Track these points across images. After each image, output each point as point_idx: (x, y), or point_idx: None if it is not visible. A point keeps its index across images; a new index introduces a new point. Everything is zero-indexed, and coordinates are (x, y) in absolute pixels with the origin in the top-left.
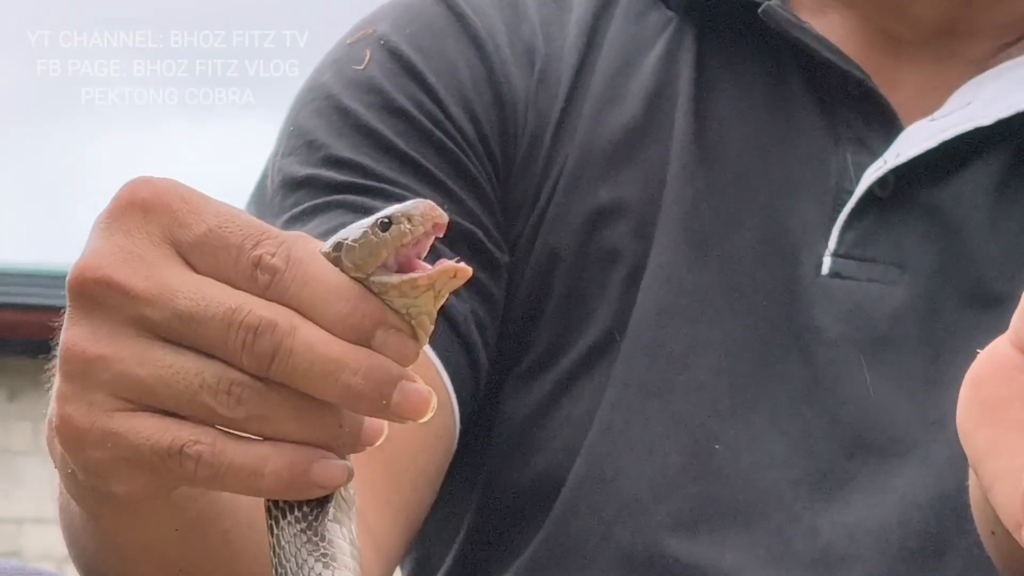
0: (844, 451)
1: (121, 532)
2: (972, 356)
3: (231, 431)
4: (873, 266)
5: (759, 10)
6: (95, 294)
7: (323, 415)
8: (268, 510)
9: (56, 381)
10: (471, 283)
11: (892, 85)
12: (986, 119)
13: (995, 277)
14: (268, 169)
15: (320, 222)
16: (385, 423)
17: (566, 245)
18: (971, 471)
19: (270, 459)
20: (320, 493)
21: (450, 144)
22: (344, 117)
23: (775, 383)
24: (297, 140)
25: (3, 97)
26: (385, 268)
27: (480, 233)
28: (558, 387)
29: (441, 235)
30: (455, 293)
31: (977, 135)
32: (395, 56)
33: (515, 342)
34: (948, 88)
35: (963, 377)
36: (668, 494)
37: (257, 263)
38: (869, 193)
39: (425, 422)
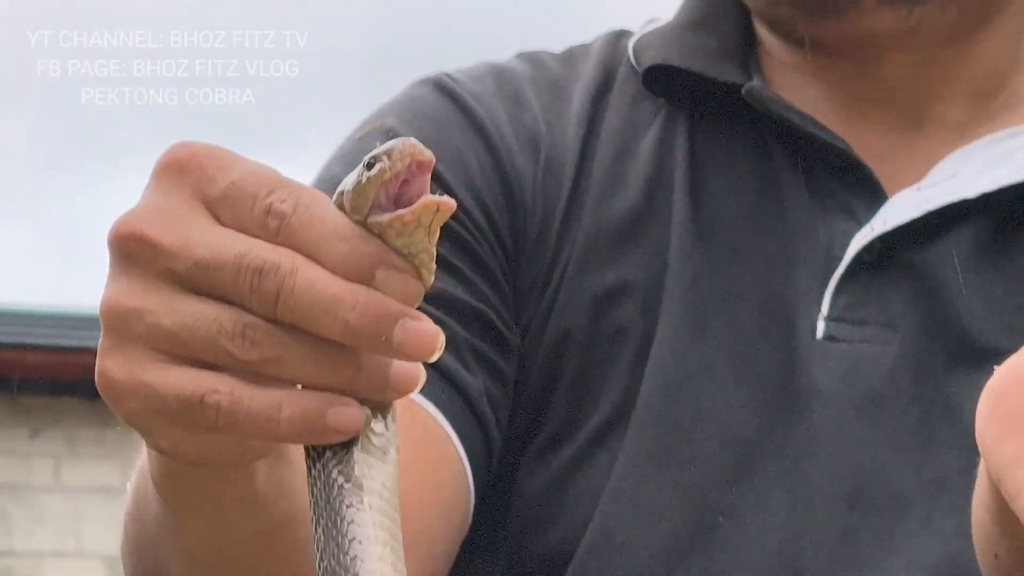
0: (845, 503)
1: (204, 535)
2: (961, 412)
3: (256, 380)
4: (865, 328)
5: (743, 91)
6: (129, 249)
7: (339, 358)
8: (306, 460)
9: (100, 336)
10: (485, 361)
11: (876, 156)
12: (971, 192)
13: (980, 334)
14: None
15: None
16: (420, 370)
17: (577, 325)
18: (977, 491)
19: (285, 405)
20: (339, 438)
21: (461, 231)
22: None
23: (777, 443)
24: None
25: (3, 100)
26: (381, 209)
27: (492, 315)
28: (573, 461)
29: (428, 173)
30: (468, 368)
31: (961, 206)
32: None
33: (529, 420)
34: (931, 158)
35: (954, 434)
36: (677, 563)
37: (268, 210)
38: (858, 259)
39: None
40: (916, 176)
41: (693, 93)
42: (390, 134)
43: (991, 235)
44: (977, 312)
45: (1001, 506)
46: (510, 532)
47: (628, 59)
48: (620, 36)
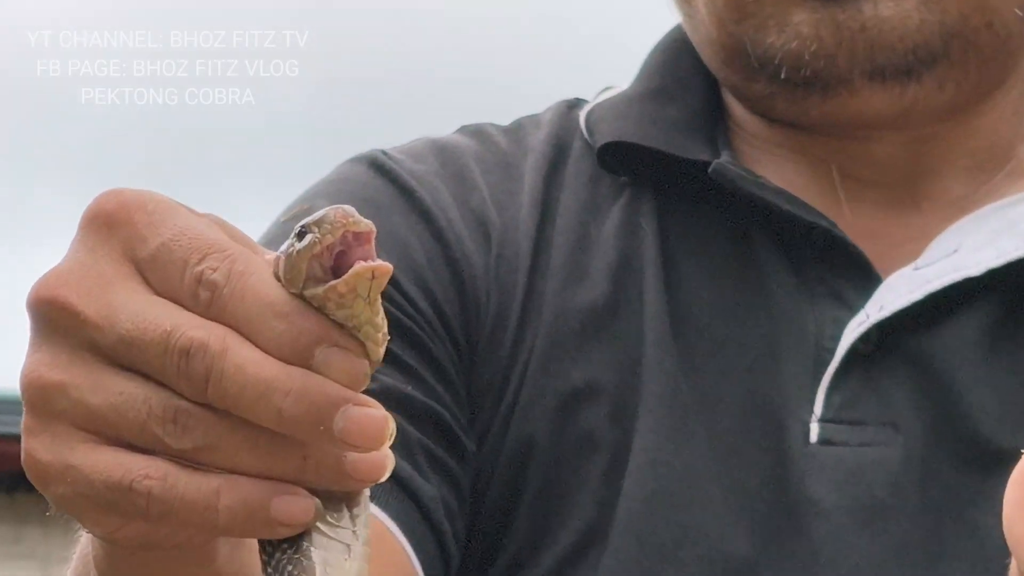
0: None
1: None
2: (975, 523)
3: (192, 463)
4: (864, 429)
5: (709, 170)
6: (50, 316)
7: (281, 445)
8: (260, 556)
9: (24, 412)
10: (440, 466)
11: (865, 234)
12: (975, 269)
13: (992, 433)
14: None
15: None
16: (384, 455)
17: (541, 432)
18: None
19: (223, 493)
20: (285, 532)
21: (410, 324)
22: None
23: (772, 563)
24: None
25: (3, 101)
26: (318, 281)
27: (446, 415)
28: None
29: (368, 243)
30: (422, 473)
31: (965, 285)
32: None
33: (488, 541)
34: (927, 234)
35: (968, 547)
36: None
37: (199, 279)
38: (852, 350)
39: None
40: (912, 255)
41: (656, 170)
42: None
43: (1001, 318)
44: (988, 407)
45: None
46: None
47: (581, 132)
48: (572, 107)
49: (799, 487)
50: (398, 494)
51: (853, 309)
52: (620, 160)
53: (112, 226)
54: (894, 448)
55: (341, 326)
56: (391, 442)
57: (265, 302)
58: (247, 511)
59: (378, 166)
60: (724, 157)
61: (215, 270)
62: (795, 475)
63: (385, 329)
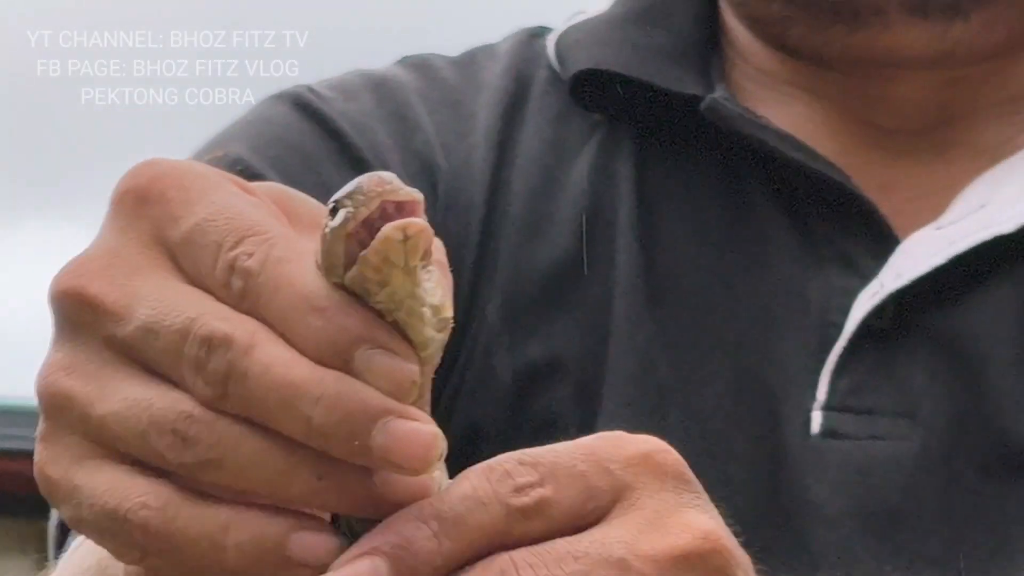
0: None
1: None
2: (1006, 533)
3: (199, 486)
4: (875, 419)
5: (701, 106)
6: (71, 312)
7: (294, 463)
8: None
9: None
10: None
11: (880, 187)
12: (1007, 225)
13: None
14: None
15: None
16: (431, 480)
17: (490, 417)
18: None
19: (233, 528)
20: (306, 573)
21: None
22: None
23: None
24: None
25: (3, 96)
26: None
27: None
28: None
29: (411, 213)
30: None
31: (996, 246)
32: None
33: None
34: (952, 188)
35: (998, 563)
36: None
37: (232, 265)
38: (864, 326)
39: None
40: (935, 211)
41: (639, 107)
42: (239, 168)
43: None
44: (1022, 395)
45: None
46: None
47: (548, 63)
48: (536, 35)
49: (797, 487)
50: None
51: (865, 277)
52: (595, 93)
53: (143, 203)
54: (910, 443)
55: (388, 322)
56: (438, 464)
57: (301, 294)
58: (259, 550)
59: (303, 106)
60: (719, 92)
61: (250, 256)
62: (792, 472)
63: (447, 310)
